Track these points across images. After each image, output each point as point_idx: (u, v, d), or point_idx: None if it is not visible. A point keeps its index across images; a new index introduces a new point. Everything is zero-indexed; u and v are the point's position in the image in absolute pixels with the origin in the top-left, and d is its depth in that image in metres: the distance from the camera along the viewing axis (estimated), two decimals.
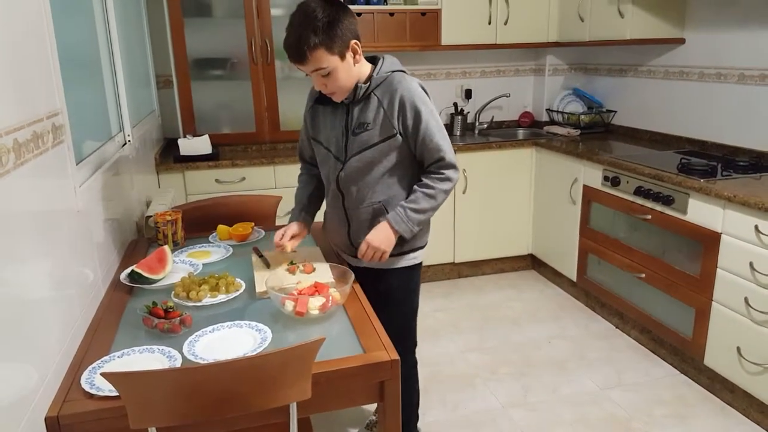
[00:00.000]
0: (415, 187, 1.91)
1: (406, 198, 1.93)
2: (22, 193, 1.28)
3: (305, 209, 2.13)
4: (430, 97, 1.91)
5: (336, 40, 1.73)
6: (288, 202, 2.36)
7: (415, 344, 2.20)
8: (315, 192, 2.17)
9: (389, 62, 1.92)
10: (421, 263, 2.09)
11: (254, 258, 2.07)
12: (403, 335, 2.08)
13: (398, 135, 1.86)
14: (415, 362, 2.22)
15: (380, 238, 1.89)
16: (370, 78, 1.86)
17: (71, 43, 2.00)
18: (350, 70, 1.81)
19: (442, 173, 1.89)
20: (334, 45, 1.73)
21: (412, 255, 2.03)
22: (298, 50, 1.72)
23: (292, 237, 2.03)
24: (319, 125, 1.99)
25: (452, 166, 1.90)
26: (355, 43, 1.79)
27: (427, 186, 1.89)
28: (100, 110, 2.40)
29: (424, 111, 1.84)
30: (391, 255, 1.96)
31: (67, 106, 1.67)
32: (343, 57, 1.76)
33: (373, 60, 1.94)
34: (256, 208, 2.69)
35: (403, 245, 1.98)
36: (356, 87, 1.84)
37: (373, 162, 1.89)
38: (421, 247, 2.06)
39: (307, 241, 2.30)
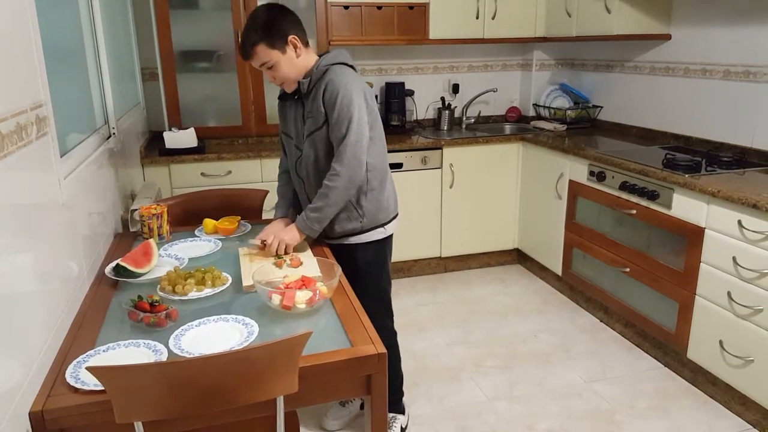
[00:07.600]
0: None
1: None
2: (5, 186, 1.26)
3: (291, 204, 2.27)
4: (370, 98, 2.04)
5: (274, 36, 1.94)
6: (274, 196, 2.37)
7: (392, 313, 2.36)
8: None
9: (332, 56, 2.07)
10: (391, 235, 2.25)
11: (241, 252, 2.06)
12: (385, 303, 2.30)
13: (327, 121, 2.02)
14: (395, 331, 2.37)
15: (288, 234, 2.02)
16: (311, 72, 2.03)
17: (55, 34, 1.98)
18: (292, 61, 2.00)
19: (334, 169, 1.99)
20: (272, 40, 1.94)
21: (380, 229, 2.19)
22: (243, 48, 1.97)
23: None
24: (286, 119, 2.19)
25: (342, 159, 1.96)
26: (293, 38, 1.98)
27: (324, 185, 2.01)
28: (84, 102, 2.37)
29: (341, 97, 1.95)
30: (358, 233, 2.14)
31: (51, 97, 1.64)
32: (283, 51, 1.97)
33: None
34: (243, 202, 2.68)
35: (363, 225, 2.13)
36: (300, 82, 2.03)
37: (317, 147, 2.06)
38: (386, 222, 2.20)
39: None
